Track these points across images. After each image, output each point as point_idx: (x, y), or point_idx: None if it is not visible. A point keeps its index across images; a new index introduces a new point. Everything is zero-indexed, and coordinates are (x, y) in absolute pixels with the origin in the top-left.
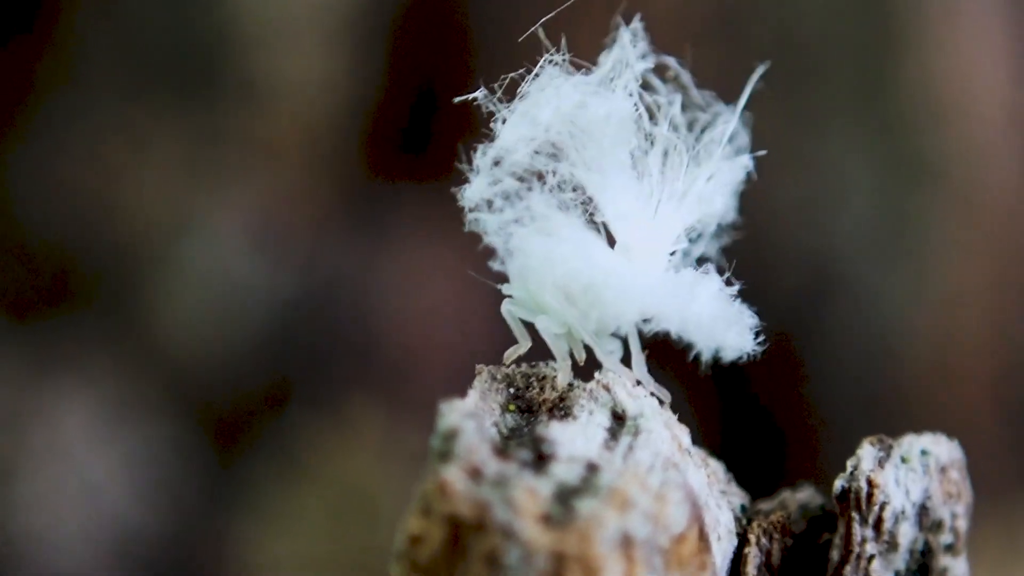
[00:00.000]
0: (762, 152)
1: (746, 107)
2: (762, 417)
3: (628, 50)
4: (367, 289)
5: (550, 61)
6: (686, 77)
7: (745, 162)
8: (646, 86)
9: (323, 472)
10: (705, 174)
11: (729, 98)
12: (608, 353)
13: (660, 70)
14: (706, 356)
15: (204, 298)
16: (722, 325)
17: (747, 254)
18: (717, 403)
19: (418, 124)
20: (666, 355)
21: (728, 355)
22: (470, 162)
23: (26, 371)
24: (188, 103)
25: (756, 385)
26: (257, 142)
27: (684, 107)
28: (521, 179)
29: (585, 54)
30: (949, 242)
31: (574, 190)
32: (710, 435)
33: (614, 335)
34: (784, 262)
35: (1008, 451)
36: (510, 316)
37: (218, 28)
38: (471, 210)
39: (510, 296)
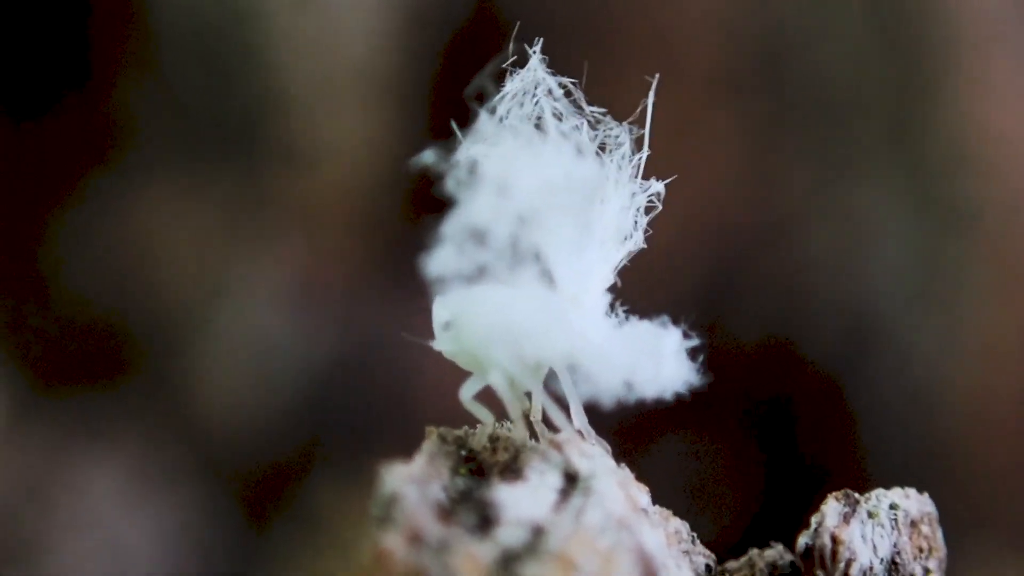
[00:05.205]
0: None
1: (777, 155)
2: (806, 465)
3: (536, 74)
4: (404, 353)
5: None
6: (580, 96)
7: (650, 185)
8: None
9: (353, 539)
10: (616, 205)
11: (763, 150)
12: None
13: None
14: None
15: (239, 363)
16: (655, 364)
17: (782, 302)
18: (759, 452)
19: None
20: (705, 407)
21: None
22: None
23: (56, 439)
24: (228, 167)
25: (800, 433)
26: (296, 205)
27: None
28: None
29: (625, 110)
30: (985, 289)
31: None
32: (752, 485)
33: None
34: (819, 311)
35: None
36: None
37: (258, 91)
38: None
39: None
